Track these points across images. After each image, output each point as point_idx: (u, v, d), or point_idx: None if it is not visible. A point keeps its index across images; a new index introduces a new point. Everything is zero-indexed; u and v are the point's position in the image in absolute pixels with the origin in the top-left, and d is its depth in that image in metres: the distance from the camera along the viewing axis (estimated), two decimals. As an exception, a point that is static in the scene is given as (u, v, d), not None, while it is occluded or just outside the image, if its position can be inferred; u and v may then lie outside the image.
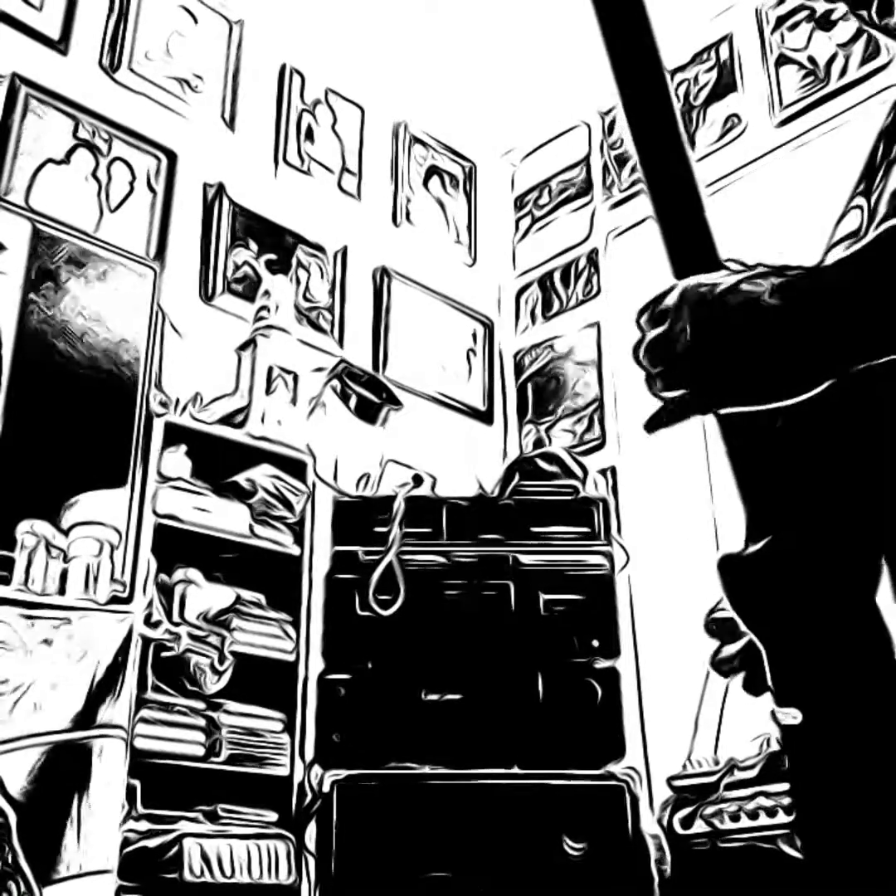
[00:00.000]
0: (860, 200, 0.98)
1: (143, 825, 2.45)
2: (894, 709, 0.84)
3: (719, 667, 0.93)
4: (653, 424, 0.86)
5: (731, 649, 0.93)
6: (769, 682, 0.86)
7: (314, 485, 3.05)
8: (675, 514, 3.40)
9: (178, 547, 2.77)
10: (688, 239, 0.86)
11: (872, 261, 0.75)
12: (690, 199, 0.87)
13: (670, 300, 0.81)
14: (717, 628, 0.93)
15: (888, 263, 0.74)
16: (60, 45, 3.37)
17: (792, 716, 0.84)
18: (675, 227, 0.87)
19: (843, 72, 3.56)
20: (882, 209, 0.96)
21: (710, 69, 4.01)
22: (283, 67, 4.03)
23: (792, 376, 0.78)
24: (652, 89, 0.89)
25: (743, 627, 0.89)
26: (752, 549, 0.89)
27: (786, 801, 2.35)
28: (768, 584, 0.88)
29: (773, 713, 0.86)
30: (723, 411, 0.84)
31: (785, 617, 0.87)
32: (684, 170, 0.87)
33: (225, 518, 2.87)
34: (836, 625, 0.86)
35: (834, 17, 3.59)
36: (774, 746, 2.48)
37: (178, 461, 2.84)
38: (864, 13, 1.03)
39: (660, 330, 0.81)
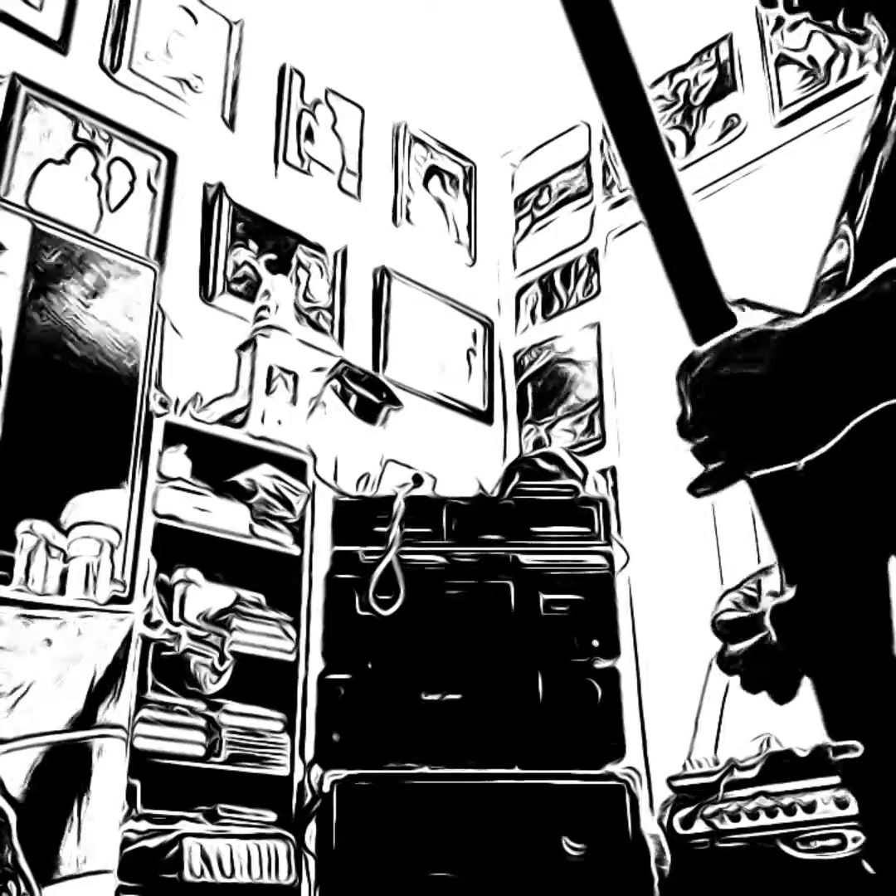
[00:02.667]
0: (845, 229, 0.98)
1: (143, 825, 2.45)
2: None
3: (726, 665, 0.94)
4: (695, 489, 0.89)
5: (737, 648, 0.94)
6: (823, 721, 0.89)
7: (314, 485, 3.05)
8: (675, 514, 3.40)
9: (178, 547, 2.77)
10: (698, 305, 0.87)
11: (866, 306, 0.76)
12: (699, 265, 0.87)
13: (694, 370, 0.83)
14: (727, 631, 0.94)
15: (881, 308, 0.75)
16: (60, 45, 3.37)
17: (853, 749, 0.86)
18: (691, 300, 0.87)
19: (843, 72, 3.56)
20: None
21: (710, 69, 4.01)
22: (283, 67, 4.03)
23: (800, 434, 0.79)
24: (657, 176, 0.90)
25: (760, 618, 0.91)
26: (790, 594, 0.91)
27: (786, 800, 2.35)
28: (810, 626, 0.90)
29: (832, 749, 0.88)
30: (754, 474, 0.86)
31: (833, 653, 0.88)
32: (693, 241, 0.87)
33: (225, 518, 2.87)
34: (876, 653, 0.87)
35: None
36: (775, 746, 2.48)
37: (178, 461, 2.84)
38: (830, 23, 1.03)
39: (697, 402, 0.83)
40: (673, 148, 4.13)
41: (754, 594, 0.95)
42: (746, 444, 0.82)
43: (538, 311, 4.39)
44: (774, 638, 0.90)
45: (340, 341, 3.83)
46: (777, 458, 0.82)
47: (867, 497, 0.90)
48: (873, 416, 0.77)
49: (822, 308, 0.79)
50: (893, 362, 0.75)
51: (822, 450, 0.79)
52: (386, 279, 4.08)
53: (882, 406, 0.77)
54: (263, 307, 3.25)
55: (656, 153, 0.89)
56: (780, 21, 3.72)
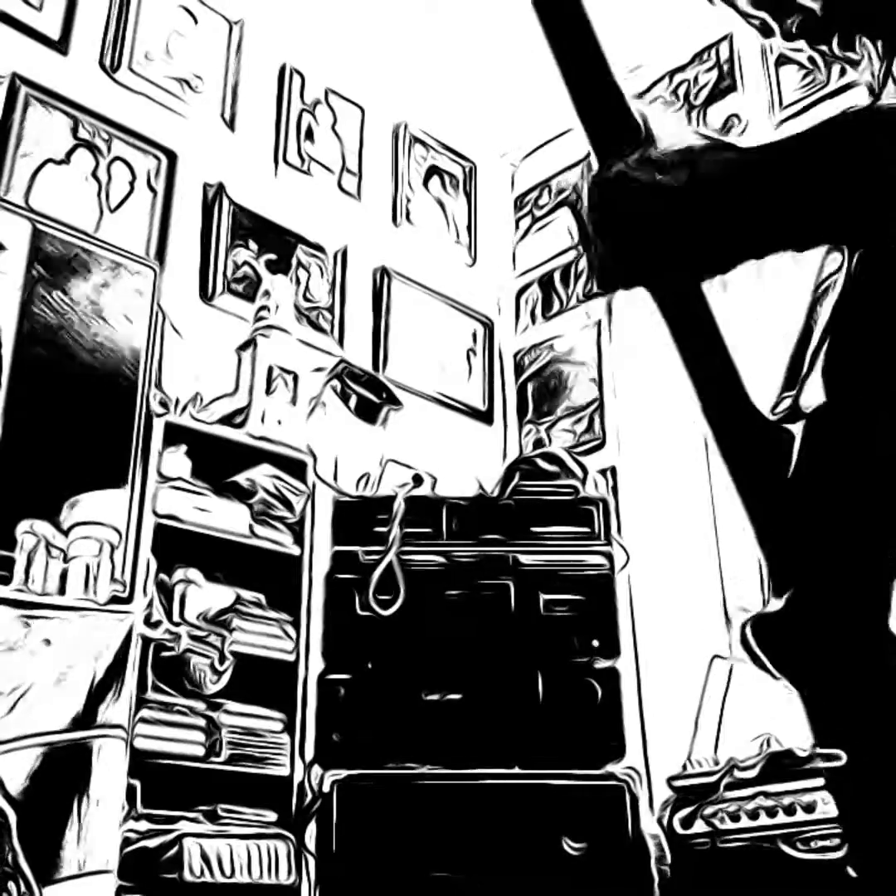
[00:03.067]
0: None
1: (143, 825, 2.45)
2: None
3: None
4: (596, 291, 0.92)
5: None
6: (809, 728, 0.89)
7: (314, 485, 3.05)
8: (675, 514, 3.40)
9: (178, 547, 2.77)
10: (606, 122, 0.88)
11: (800, 147, 0.76)
12: (603, 84, 0.89)
13: (595, 185, 0.85)
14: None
15: (820, 147, 0.75)
16: (60, 45, 3.37)
17: (836, 757, 0.86)
18: (592, 115, 0.89)
19: (843, 72, 3.55)
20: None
21: (710, 69, 4.01)
22: (283, 67, 4.03)
23: (708, 251, 0.80)
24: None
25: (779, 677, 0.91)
26: (777, 605, 0.90)
27: (786, 800, 2.35)
28: (798, 638, 0.89)
29: (816, 756, 0.89)
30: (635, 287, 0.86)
31: (819, 666, 0.88)
32: (592, 47, 0.89)
33: (225, 518, 2.87)
34: (865, 663, 0.87)
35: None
36: (775, 746, 2.48)
37: (178, 461, 2.84)
38: (825, 48, 1.04)
39: (601, 198, 0.85)
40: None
41: None
42: (652, 250, 0.82)
43: (538, 311, 4.39)
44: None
45: (340, 341, 3.83)
46: (678, 265, 0.82)
47: (864, 500, 0.89)
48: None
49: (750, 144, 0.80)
50: (807, 211, 0.75)
51: (716, 277, 0.79)
52: (386, 279, 4.08)
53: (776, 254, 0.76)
54: (263, 307, 3.25)
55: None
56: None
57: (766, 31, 1.07)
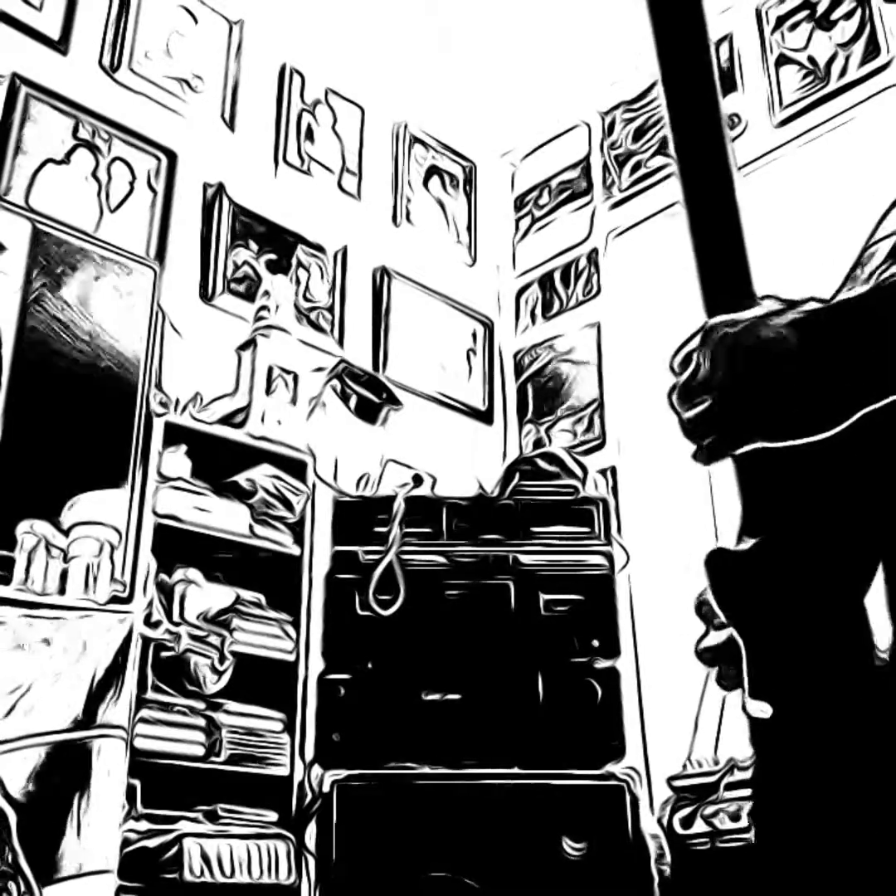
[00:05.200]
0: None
1: (143, 825, 2.45)
2: (867, 709, 0.84)
3: (701, 655, 0.93)
4: (697, 459, 0.87)
5: (713, 639, 0.94)
6: (744, 675, 0.87)
7: (314, 485, 3.05)
8: (675, 514, 3.40)
9: (178, 547, 2.77)
10: (722, 275, 0.84)
11: (888, 297, 0.74)
12: (731, 231, 0.85)
13: (695, 342, 0.82)
14: (707, 612, 0.93)
15: None
16: (60, 45, 3.37)
17: (761, 709, 0.85)
18: (711, 263, 0.85)
19: (843, 72, 3.55)
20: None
21: (710, 69, 4.00)
22: (283, 67, 4.03)
23: (814, 414, 0.78)
24: (702, 100, 0.88)
25: (723, 619, 0.90)
26: (743, 546, 0.89)
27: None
28: (753, 581, 0.88)
29: (743, 705, 0.87)
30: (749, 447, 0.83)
31: (766, 613, 0.87)
32: (729, 197, 0.86)
33: (225, 518, 2.87)
34: (816, 624, 0.86)
35: (834, 16, 3.59)
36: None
37: (178, 461, 2.84)
38: None
39: (687, 374, 0.82)
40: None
41: None
42: (756, 414, 0.79)
43: (538, 311, 4.39)
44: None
45: (340, 341, 3.83)
46: (783, 434, 0.80)
47: (861, 493, 0.89)
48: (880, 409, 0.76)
49: (852, 293, 0.77)
50: None
51: (828, 433, 0.77)
52: (386, 279, 4.08)
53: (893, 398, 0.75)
54: (263, 307, 3.25)
55: (711, 117, 0.87)
56: (780, 21, 3.72)
57: None
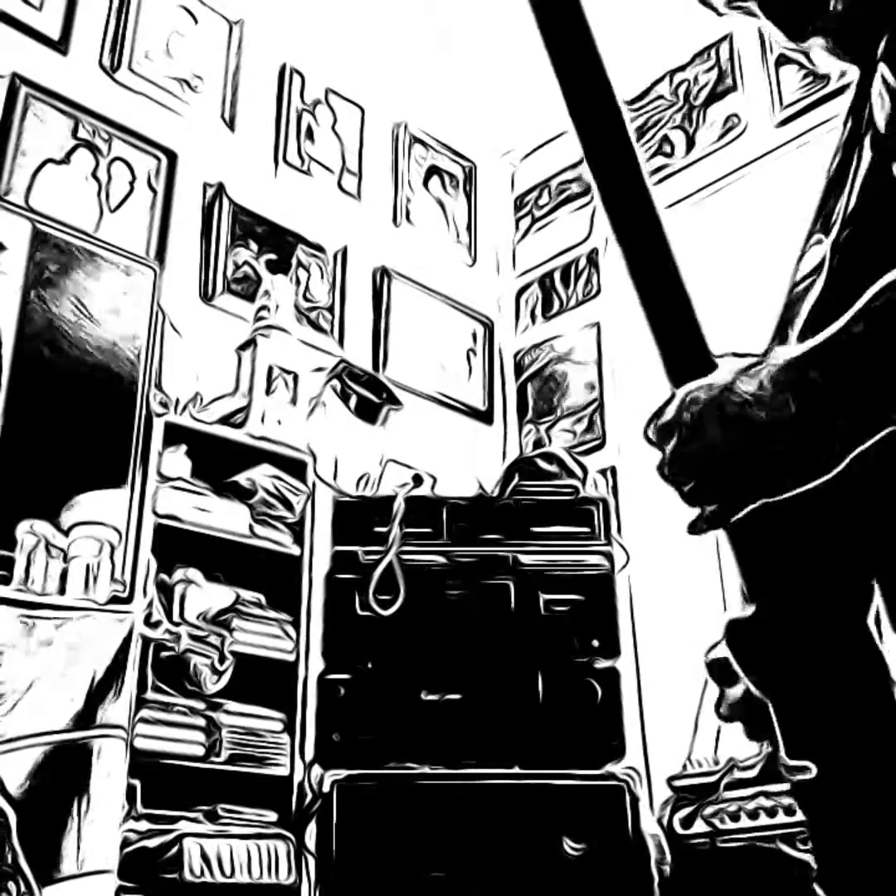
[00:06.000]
0: (820, 236, 0.98)
1: (143, 825, 2.45)
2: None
3: (722, 713, 0.92)
4: (694, 531, 0.89)
5: (734, 694, 0.93)
6: (779, 738, 0.87)
7: (314, 485, 3.05)
8: (675, 514, 3.40)
9: (178, 547, 2.76)
10: (681, 349, 0.86)
11: (856, 342, 0.74)
12: (681, 310, 0.87)
13: (672, 413, 0.82)
14: (718, 671, 0.93)
15: (870, 343, 0.74)
16: (60, 45, 3.37)
17: (804, 769, 0.85)
18: (669, 340, 0.87)
19: (844, 72, 3.55)
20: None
21: (710, 69, 4.01)
22: (283, 67, 4.03)
23: (811, 464, 0.78)
24: (639, 213, 0.90)
25: (745, 680, 0.89)
26: (749, 611, 0.90)
27: (786, 800, 2.35)
28: (769, 644, 0.88)
29: (784, 767, 0.87)
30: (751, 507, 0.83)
31: (788, 674, 0.87)
32: (674, 281, 0.88)
33: (225, 518, 2.87)
34: (835, 673, 0.86)
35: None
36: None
37: (178, 461, 2.84)
38: (792, 45, 1.04)
39: (671, 445, 0.82)
40: (672, 149, 4.13)
41: None
42: (758, 477, 0.80)
43: (538, 311, 4.39)
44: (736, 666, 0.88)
45: (340, 341, 3.83)
46: (785, 488, 0.80)
47: (849, 520, 0.89)
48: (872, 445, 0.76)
49: (816, 340, 0.77)
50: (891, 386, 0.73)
51: (824, 478, 0.77)
52: (386, 279, 4.08)
53: (884, 432, 0.75)
54: (263, 307, 3.25)
55: (641, 200, 0.88)
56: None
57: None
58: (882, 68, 0.90)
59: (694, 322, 0.87)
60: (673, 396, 0.83)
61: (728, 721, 0.87)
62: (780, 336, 1.01)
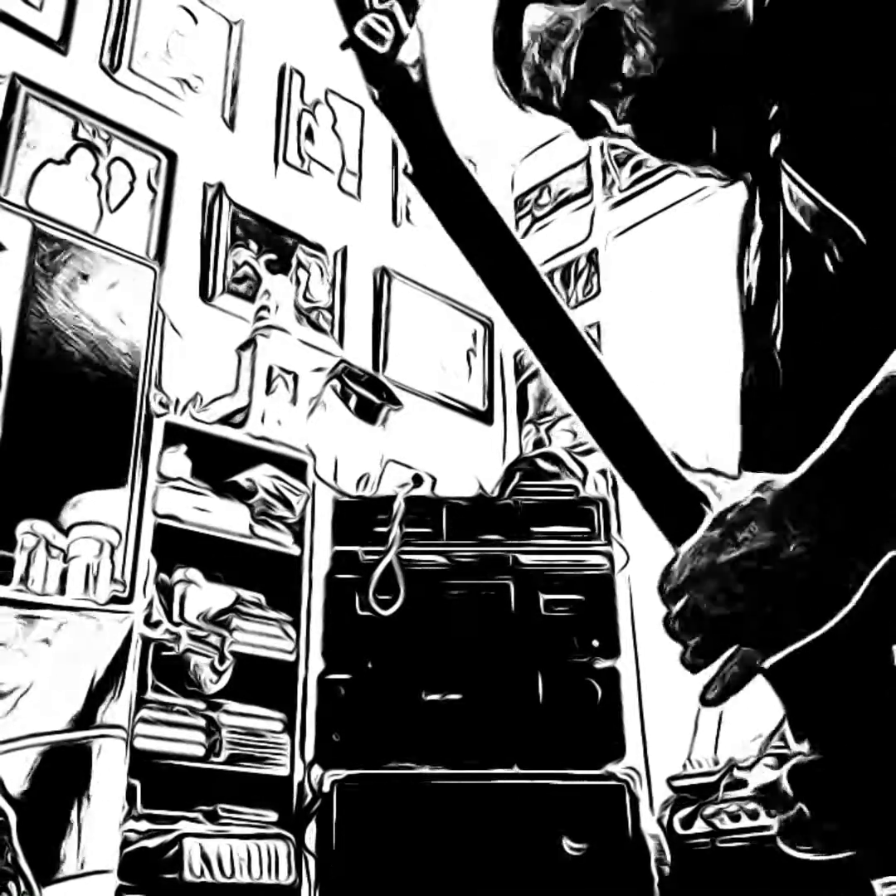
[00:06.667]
0: (764, 344, 0.98)
1: (143, 825, 2.45)
2: None
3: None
4: (720, 699, 0.88)
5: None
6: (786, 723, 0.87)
7: (314, 485, 3.05)
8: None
9: (178, 547, 2.76)
10: (673, 511, 0.85)
11: (852, 454, 0.73)
12: (659, 473, 0.86)
13: (680, 577, 0.80)
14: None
15: (866, 453, 0.72)
16: (60, 45, 3.37)
17: (804, 751, 0.85)
18: (659, 508, 0.86)
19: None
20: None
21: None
22: (283, 67, 4.03)
23: (821, 602, 0.75)
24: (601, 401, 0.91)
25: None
26: (803, 749, 0.88)
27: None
28: (835, 788, 0.87)
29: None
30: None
31: (861, 811, 0.86)
32: (653, 451, 0.86)
33: (225, 518, 2.87)
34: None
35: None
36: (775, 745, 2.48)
37: (178, 461, 2.84)
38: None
39: (681, 604, 0.80)
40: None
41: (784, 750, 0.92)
42: (759, 632, 0.78)
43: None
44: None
45: (340, 341, 3.83)
46: (794, 638, 0.77)
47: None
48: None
49: (803, 467, 0.75)
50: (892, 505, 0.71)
51: (842, 613, 0.74)
52: (386, 279, 4.08)
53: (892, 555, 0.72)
54: (263, 307, 3.25)
55: (596, 374, 0.89)
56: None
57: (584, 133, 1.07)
58: (784, 166, 0.88)
59: (674, 474, 0.85)
60: (676, 556, 0.81)
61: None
62: (744, 454, 1.01)
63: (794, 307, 0.93)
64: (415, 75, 0.94)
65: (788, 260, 0.93)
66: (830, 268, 0.86)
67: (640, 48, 0.97)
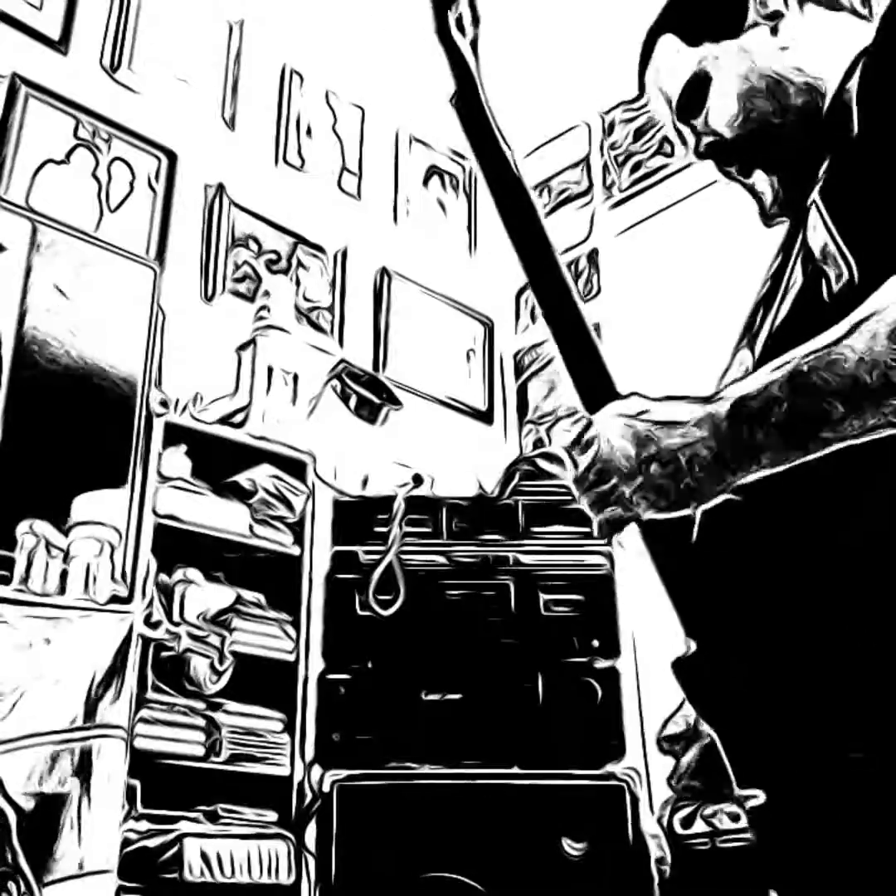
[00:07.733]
0: (745, 353, 1.07)
1: (143, 825, 2.45)
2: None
3: (675, 783, 0.97)
4: (602, 534, 1.02)
5: (685, 763, 0.98)
6: (728, 769, 0.91)
7: (314, 485, 3.05)
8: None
9: (178, 547, 2.77)
10: (595, 380, 1.05)
11: (789, 384, 0.82)
12: (587, 348, 1.07)
13: (591, 432, 0.96)
14: (668, 746, 0.97)
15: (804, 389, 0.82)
16: (60, 45, 3.37)
17: (753, 797, 0.88)
18: (582, 374, 1.06)
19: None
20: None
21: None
22: (283, 67, 4.03)
23: (712, 482, 0.88)
24: (544, 260, 1.12)
25: (697, 727, 0.95)
26: (692, 648, 0.96)
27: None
28: (712, 680, 0.95)
29: (737, 798, 0.90)
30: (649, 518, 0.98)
31: (734, 706, 0.93)
32: (580, 325, 1.08)
33: (225, 518, 2.87)
34: (779, 702, 0.90)
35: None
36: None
37: (178, 461, 2.84)
38: (732, 171, 1.15)
39: (589, 456, 0.94)
40: (673, 149, 4.12)
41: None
42: (647, 490, 0.92)
43: (538, 310, 4.39)
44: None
45: (340, 341, 3.83)
46: (676, 505, 0.93)
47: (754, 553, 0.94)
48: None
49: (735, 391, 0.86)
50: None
51: (715, 502, 0.87)
52: (386, 279, 4.08)
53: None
54: (263, 307, 3.25)
55: (549, 262, 1.11)
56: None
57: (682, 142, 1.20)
58: (816, 199, 0.98)
59: (598, 357, 1.06)
60: (590, 421, 0.98)
61: (678, 793, 0.91)
62: None
63: (784, 323, 1.02)
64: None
65: (795, 281, 1.02)
66: (825, 297, 0.94)
67: (726, 107, 1.10)
